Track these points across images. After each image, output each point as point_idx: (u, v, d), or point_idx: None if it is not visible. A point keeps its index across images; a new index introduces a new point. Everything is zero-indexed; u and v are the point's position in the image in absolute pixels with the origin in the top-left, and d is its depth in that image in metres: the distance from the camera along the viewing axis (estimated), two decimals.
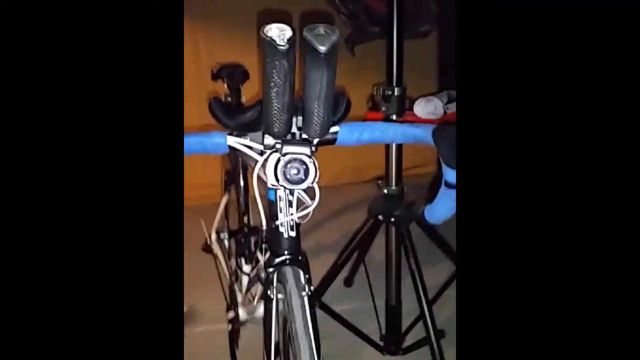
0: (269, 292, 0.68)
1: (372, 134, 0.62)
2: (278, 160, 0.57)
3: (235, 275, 1.23)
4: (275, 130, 0.56)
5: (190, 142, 0.59)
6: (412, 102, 1.36)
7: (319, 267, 1.41)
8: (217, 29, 2.35)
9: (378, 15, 1.47)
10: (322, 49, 0.47)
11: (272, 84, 0.50)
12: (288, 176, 0.57)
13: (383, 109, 1.20)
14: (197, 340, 1.44)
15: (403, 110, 1.23)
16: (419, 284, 1.23)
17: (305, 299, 0.66)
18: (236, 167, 1.16)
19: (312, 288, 0.68)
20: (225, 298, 1.29)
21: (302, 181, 0.57)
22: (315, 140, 0.61)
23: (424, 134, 0.60)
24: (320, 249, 1.87)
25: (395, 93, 1.17)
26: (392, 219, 1.23)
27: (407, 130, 0.62)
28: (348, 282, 1.63)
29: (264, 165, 0.60)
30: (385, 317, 1.36)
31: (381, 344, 1.33)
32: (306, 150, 0.58)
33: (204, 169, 2.47)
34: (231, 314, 1.17)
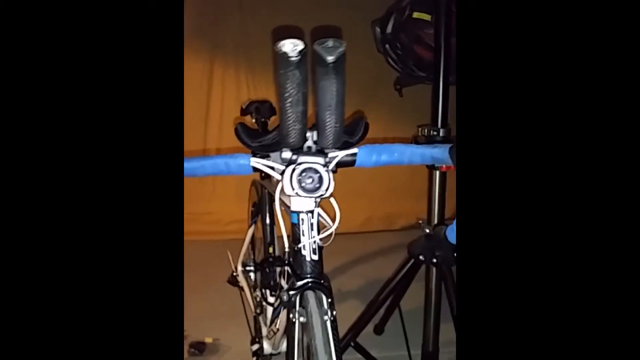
0: (291, 315, 0.68)
1: (391, 156, 0.64)
2: (294, 170, 0.60)
3: (260, 307, 1.23)
4: (291, 140, 0.59)
5: (217, 163, 0.62)
6: None
7: (344, 313, 1.38)
8: (259, 67, 2.51)
9: (425, 61, 1.53)
10: (330, 58, 0.50)
11: (287, 94, 0.54)
12: (303, 184, 0.60)
13: None
14: None
15: None
16: None
17: (328, 323, 0.65)
18: (262, 197, 1.19)
19: (335, 313, 0.67)
20: (250, 331, 1.28)
21: (316, 189, 0.60)
22: (332, 155, 0.63)
23: (441, 153, 0.60)
24: (345, 295, 1.84)
25: (441, 134, 1.20)
26: (434, 260, 1.19)
27: (425, 151, 0.63)
28: (379, 330, 1.56)
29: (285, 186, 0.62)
30: None
31: None
32: (320, 160, 0.61)
33: (235, 204, 2.53)
34: (255, 347, 1.15)
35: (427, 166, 1.20)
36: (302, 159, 0.60)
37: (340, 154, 0.63)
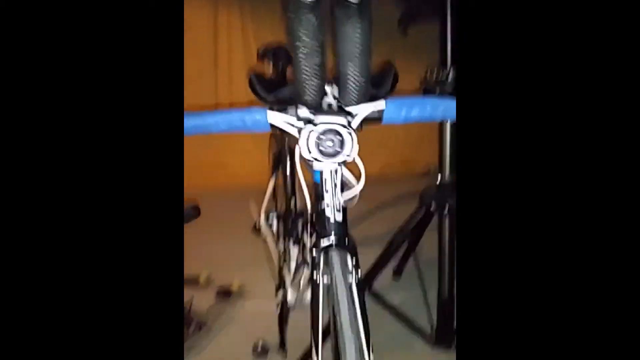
0: (315, 275, 0.66)
1: (423, 111, 0.57)
2: (311, 131, 0.53)
3: (284, 257, 1.23)
4: (307, 98, 0.52)
5: (232, 118, 0.57)
6: None
7: (367, 259, 1.37)
8: (263, 10, 2.39)
9: None
10: None
11: (299, 43, 0.46)
12: (322, 148, 0.54)
13: (437, 92, 1.12)
14: (247, 317, 1.46)
15: None
16: None
17: (353, 284, 0.64)
18: (282, 149, 1.15)
19: (360, 273, 0.66)
20: (274, 279, 1.30)
21: (337, 153, 0.54)
22: (355, 111, 0.56)
23: None
24: (366, 240, 1.82)
25: (450, 75, 1.08)
26: (445, 210, 1.16)
27: None
28: (397, 272, 1.56)
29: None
30: (437, 310, 1.30)
31: (432, 336, 1.28)
32: (341, 120, 0.53)
33: (252, 155, 2.51)
34: (280, 295, 1.17)
35: None
36: (320, 118, 0.53)
37: (364, 110, 0.56)
